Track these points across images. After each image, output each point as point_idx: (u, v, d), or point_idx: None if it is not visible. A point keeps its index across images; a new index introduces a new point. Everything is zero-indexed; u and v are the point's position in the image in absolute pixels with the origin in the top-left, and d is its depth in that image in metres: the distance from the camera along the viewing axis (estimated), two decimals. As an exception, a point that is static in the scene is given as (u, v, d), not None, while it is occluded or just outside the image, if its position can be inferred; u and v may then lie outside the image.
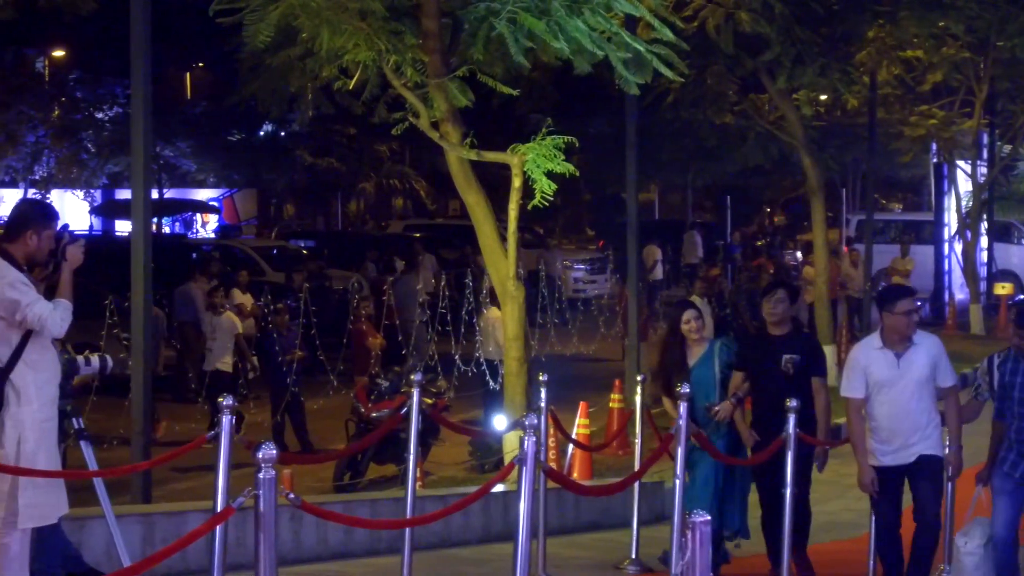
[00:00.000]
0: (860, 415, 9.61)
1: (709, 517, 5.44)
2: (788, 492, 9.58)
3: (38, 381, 7.47)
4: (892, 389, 9.48)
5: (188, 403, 19.43)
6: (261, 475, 5.23)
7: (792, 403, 9.68)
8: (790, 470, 9.59)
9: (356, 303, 19.34)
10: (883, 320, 9.54)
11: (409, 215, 51.35)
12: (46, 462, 7.43)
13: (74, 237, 7.74)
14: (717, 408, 10.63)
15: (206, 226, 52.34)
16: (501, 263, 13.40)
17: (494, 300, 16.27)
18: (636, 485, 10.86)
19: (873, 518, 9.97)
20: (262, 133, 49.31)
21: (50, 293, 7.60)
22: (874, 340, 9.66)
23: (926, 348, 9.57)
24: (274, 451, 5.28)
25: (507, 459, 12.93)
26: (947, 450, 9.71)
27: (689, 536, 4.67)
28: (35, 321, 7.32)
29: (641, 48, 12.46)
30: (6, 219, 7.99)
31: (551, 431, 11.71)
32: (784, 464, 9.63)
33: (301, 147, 46.74)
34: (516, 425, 11.55)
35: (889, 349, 9.49)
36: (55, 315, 7.42)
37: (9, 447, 7.28)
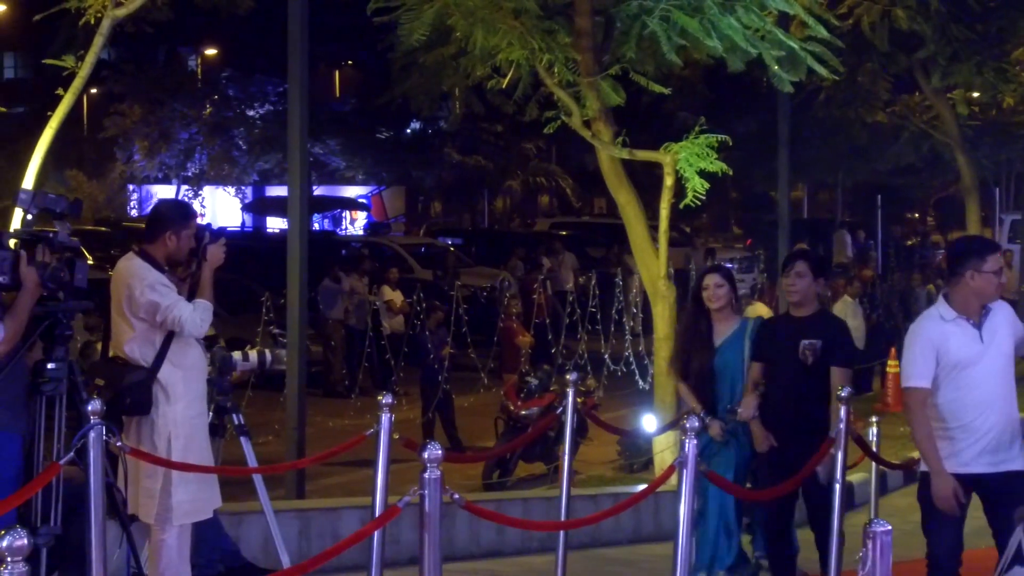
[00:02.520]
0: (926, 410, 7.26)
1: (889, 527, 4.90)
2: (835, 519, 7.95)
3: (185, 379, 7.58)
4: (975, 370, 7.25)
5: (336, 397, 19.62)
6: (427, 475, 5.23)
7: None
8: (836, 487, 7.95)
9: (506, 301, 19.38)
10: (965, 281, 7.25)
11: (555, 213, 51.38)
12: (197, 458, 7.53)
13: (215, 236, 7.82)
14: (739, 408, 9.18)
15: (355, 223, 52.86)
16: (652, 263, 13.32)
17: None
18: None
19: (927, 546, 7.41)
20: (410, 130, 49.68)
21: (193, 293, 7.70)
22: (943, 310, 7.36)
23: (1003, 313, 7.46)
24: (439, 451, 5.29)
25: (656, 460, 12.88)
26: None
27: (870, 546, 4.56)
28: (174, 323, 7.42)
29: (795, 46, 12.31)
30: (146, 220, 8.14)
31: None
32: (824, 482, 8.24)
33: (449, 144, 46.99)
34: (668, 427, 11.45)
35: (965, 318, 7.30)
36: (194, 316, 7.51)
37: (161, 445, 7.39)
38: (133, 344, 7.50)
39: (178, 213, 7.87)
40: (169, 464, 7.26)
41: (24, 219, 6.63)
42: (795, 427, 8.80)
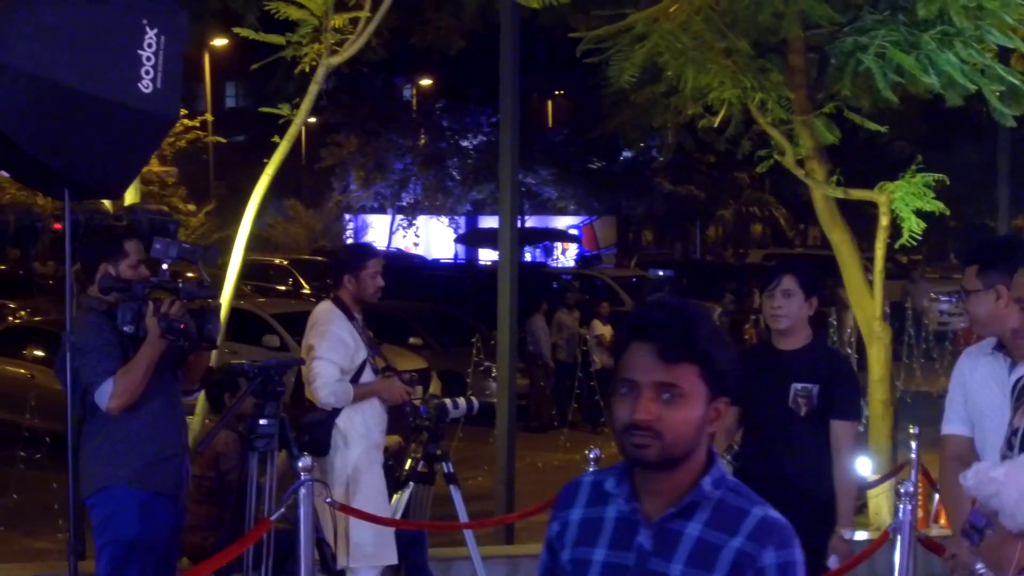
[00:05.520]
0: (958, 465, 5.33)
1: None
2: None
3: (365, 425, 7.66)
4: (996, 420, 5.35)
5: (542, 432, 19.63)
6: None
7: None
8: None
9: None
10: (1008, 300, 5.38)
11: (768, 243, 50.87)
12: (375, 504, 7.58)
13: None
14: None
15: (566, 253, 52.99)
16: (867, 303, 13.06)
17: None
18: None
19: None
20: (622, 159, 49.70)
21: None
22: (986, 343, 5.78)
23: None
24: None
25: (872, 510, 12.59)
26: None
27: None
28: (308, 379, 7.49)
29: (1016, 81, 11.99)
30: None
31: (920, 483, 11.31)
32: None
33: (661, 174, 46.86)
34: (884, 479, 11.15)
35: (1005, 355, 5.60)
36: (327, 389, 7.52)
37: (338, 490, 7.45)
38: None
39: (353, 255, 8.02)
40: (384, 521, 7.31)
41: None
42: (782, 500, 6.96)
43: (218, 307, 6.54)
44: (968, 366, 5.71)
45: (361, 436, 7.64)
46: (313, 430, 7.43)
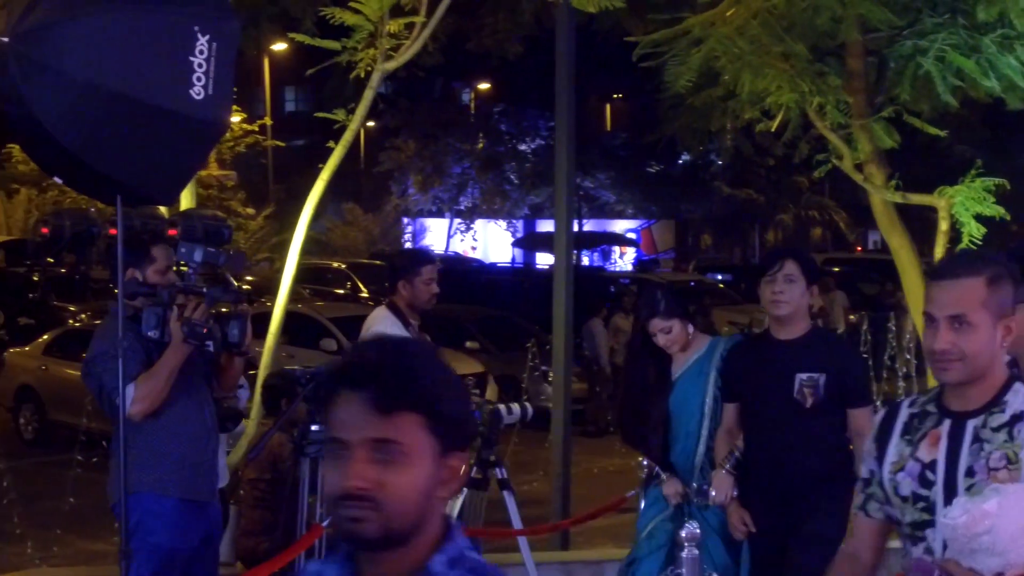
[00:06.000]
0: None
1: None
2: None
3: None
4: None
5: (598, 437, 19.58)
6: (684, 553, 5.15)
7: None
8: None
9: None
10: None
11: (827, 247, 50.58)
12: None
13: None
14: (712, 490, 6.74)
15: (624, 257, 52.89)
16: (926, 308, 12.94)
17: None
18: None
19: None
20: (680, 163, 49.57)
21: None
22: None
23: None
24: (696, 529, 5.17)
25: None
26: None
27: None
28: None
29: (1080, 84, 11.86)
30: None
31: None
32: None
33: (719, 178, 46.71)
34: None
35: None
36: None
37: None
38: None
39: (407, 261, 8.05)
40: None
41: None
42: (787, 501, 6.55)
43: (245, 312, 6.39)
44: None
45: None
46: None
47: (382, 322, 7.68)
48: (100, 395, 6.27)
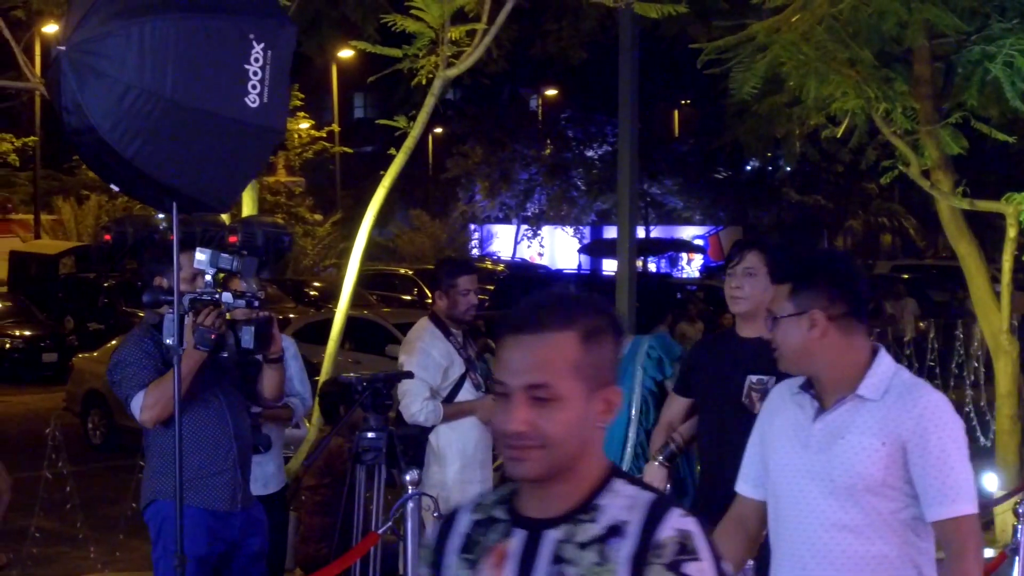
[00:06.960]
0: (732, 526, 4.62)
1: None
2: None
3: (461, 442, 7.60)
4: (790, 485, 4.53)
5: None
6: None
7: None
8: None
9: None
10: None
11: (897, 254, 50.21)
12: None
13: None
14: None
15: (691, 264, 52.69)
16: (994, 316, 12.82)
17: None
18: None
19: None
20: (749, 168, 49.35)
21: None
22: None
23: None
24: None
25: (998, 527, 12.32)
26: None
27: None
28: (399, 395, 7.43)
29: None
30: None
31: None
32: None
33: (787, 185, 46.45)
34: (1010, 495, 10.90)
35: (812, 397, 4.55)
36: (415, 407, 7.46)
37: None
38: None
39: (444, 272, 7.87)
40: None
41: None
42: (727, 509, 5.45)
43: (263, 318, 6.27)
44: (772, 407, 4.55)
45: (457, 454, 7.57)
46: (407, 445, 7.37)
47: (422, 333, 7.64)
48: (125, 403, 6.28)
